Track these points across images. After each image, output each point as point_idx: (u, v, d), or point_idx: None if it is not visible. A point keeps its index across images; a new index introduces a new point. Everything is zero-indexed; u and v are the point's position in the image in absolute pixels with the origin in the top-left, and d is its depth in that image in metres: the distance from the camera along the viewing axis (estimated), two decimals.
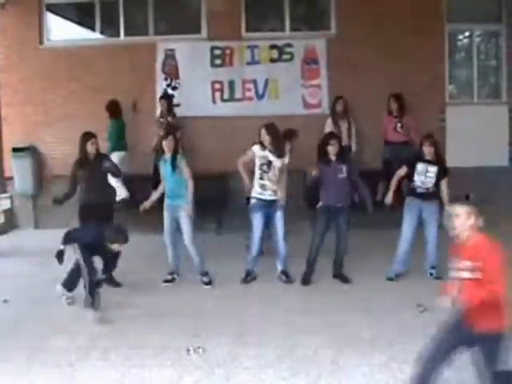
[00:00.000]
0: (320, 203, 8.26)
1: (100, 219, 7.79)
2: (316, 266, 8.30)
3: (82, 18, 12.57)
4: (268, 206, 8.17)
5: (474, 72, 12.02)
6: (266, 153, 8.09)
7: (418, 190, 8.21)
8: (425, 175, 8.18)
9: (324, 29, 12.00)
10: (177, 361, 5.69)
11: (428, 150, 8.20)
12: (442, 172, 8.18)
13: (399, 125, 10.92)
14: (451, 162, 11.35)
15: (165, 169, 8.21)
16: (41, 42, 12.06)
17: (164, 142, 8.14)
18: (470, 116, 11.62)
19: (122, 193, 10.66)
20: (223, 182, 10.93)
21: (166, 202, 8.25)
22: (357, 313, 6.91)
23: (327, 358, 5.68)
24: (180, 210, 8.08)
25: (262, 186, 8.12)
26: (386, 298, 7.46)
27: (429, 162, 8.20)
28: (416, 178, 8.20)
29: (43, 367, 5.64)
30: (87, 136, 8.34)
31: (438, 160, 8.27)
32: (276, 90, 11.88)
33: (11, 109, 11.94)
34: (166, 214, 8.24)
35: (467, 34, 12.22)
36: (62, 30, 12.31)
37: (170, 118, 11.10)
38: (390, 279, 8.26)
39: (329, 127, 10.85)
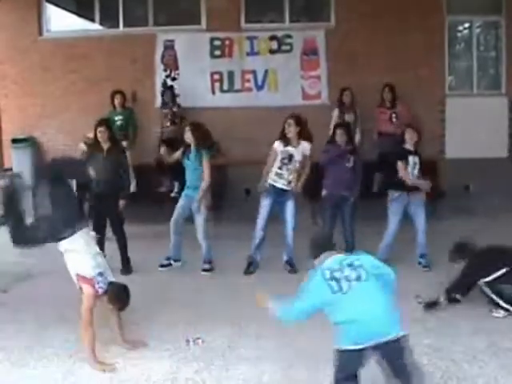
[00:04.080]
0: (325, 191, 8.33)
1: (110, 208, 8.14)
2: None
3: (81, 9, 12.54)
4: (279, 195, 8.21)
5: (474, 63, 11.99)
6: (288, 148, 8.12)
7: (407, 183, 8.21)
8: (413, 167, 8.19)
9: (323, 20, 11.98)
10: (176, 352, 5.71)
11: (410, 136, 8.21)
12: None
13: (394, 115, 10.88)
14: (451, 153, 11.45)
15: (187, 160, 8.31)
16: (40, 34, 12.03)
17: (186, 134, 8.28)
18: (469, 107, 11.61)
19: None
20: (222, 172, 10.92)
21: (186, 191, 8.33)
22: None
23: (327, 349, 5.69)
24: (195, 201, 8.19)
25: (279, 175, 8.17)
26: None
27: (413, 153, 8.21)
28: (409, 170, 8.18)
29: (42, 358, 5.66)
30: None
31: (417, 149, 8.29)
32: (275, 81, 11.86)
33: (10, 100, 11.95)
34: (181, 202, 8.32)
35: (467, 25, 12.18)
36: (61, 22, 12.28)
37: (175, 109, 11.15)
38: None
39: (334, 119, 10.80)
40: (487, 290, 6.45)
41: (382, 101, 11.00)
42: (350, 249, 8.36)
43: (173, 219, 8.34)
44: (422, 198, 8.16)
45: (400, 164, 8.06)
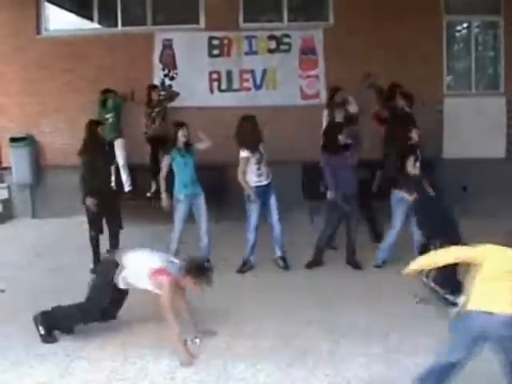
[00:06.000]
0: (330, 193, 8.31)
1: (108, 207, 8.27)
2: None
3: (80, 7, 12.50)
4: (265, 192, 8.29)
5: (472, 63, 11.97)
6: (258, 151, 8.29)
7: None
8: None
9: (322, 19, 11.95)
10: (174, 351, 5.70)
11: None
12: None
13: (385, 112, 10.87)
14: (449, 153, 11.44)
15: (182, 159, 8.42)
16: (38, 32, 12.00)
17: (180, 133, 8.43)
18: (467, 107, 11.60)
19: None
20: (222, 171, 10.91)
21: (185, 191, 8.34)
22: (353, 303, 6.93)
23: (324, 348, 5.70)
24: (199, 197, 8.37)
25: (260, 175, 8.25)
26: (382, 287, 7.48)
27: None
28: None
29: (40, 356, 5.65)
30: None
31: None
32: (274, 80, 11.85)
33: (8, 99, 11.91)
34: (183, 204, 8.36)
35: (465, 25, 12.17)
36: (59, 20, 12.26)
37: (149, 109, 11.13)
38: (378, 266, 8.38)
39: (325, 119, 10.77)
40: (429, 283, 5.97)
41: None
42: (352, 242, 8.42)
43: (180, 221, 8.43)
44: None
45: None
